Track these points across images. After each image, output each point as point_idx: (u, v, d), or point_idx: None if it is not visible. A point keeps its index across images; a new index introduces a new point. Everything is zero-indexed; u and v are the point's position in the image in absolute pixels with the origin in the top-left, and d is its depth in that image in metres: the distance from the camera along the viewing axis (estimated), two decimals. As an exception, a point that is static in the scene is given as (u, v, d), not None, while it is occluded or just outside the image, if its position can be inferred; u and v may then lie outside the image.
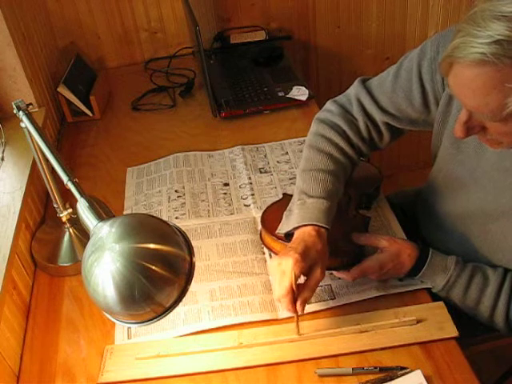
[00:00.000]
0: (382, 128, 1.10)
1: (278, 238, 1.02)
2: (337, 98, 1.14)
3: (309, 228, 0.96)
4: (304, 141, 1.41)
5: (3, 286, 0.91)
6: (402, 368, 0.87)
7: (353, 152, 1.09)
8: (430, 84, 0.99)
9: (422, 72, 0.99)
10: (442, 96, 0.98)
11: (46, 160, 0.94)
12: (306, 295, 0.90)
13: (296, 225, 0.97)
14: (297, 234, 0.97)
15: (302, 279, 0.92)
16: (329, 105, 1.14)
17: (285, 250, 0.94)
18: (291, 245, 0.94)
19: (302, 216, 0.98)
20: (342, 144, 1.08)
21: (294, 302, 0.89)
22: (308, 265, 0.91)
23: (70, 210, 1.12)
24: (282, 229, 1.01)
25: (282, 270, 0.90)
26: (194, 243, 0.80)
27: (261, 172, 1.35)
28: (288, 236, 0.99)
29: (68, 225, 1.15)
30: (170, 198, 1.28)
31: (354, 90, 1.11)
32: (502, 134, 0.80)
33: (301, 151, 1.38)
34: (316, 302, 0.99)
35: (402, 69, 1.04)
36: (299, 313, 0.91)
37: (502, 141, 0.82)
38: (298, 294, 0.89)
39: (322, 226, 0.96)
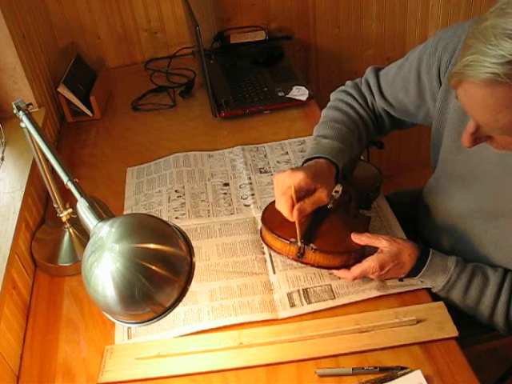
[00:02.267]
0: (383, 114, 1.17)
1: (279, 236, 1.02)
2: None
3: (321, 160, 1.04)
4: (304, 141, 1.43)
5: (3, 286, 0.91)
6: (402, 368, 0.87)
7: (364, 112, 1.17)
8: (427, 77, 1.02)
9: (422, 65, 1.02)
10: (438, 91, 0.99)
11: (46, 160, 0.93)
12: (305, 205, 0.96)
13: (309, 157, 1.05)
14: (309, 163, 1.04)
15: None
16: (346, 83, 1.26)
17: (296, 169, 1.00)
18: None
19: (315, 151, 1.06)
20: (354, 104, 1.17)
21: (291, 208, 0.96)
22: (313, 186, 0.97)
23: (70, 210, 1.12)
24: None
25: (288, 183, 0.96)
26: (193, 243, 0.80)
27: (261, 172, 1.35)
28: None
29: (68, 225, 1.15)
30: (169, 197, 1.28)
31: (365, 74, 1.21)
32: (509, 143, 0.80)
33: (301, 151, 1.39)
34: (316, 302, 0.99)
35: (407, 61, 1.08)
36: (294, 219, 0.97)
37: (508, 148, 0.83)
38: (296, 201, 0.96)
39: (333, 162, 1.04)
